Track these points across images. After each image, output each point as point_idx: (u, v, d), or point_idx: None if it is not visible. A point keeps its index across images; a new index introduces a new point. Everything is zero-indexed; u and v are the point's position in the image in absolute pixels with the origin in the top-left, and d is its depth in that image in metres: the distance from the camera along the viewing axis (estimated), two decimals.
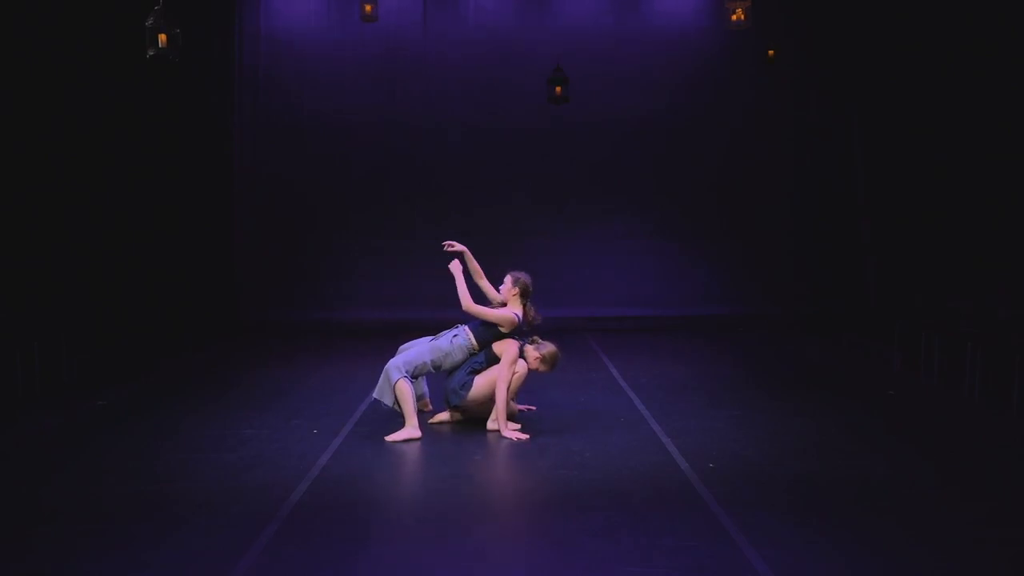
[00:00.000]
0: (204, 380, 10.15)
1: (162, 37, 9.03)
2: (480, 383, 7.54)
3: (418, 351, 7.60)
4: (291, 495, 5.83)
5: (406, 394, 7.37)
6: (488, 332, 7.61)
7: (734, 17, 11.64)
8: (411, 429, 7.34)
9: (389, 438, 7.28)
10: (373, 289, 14.78)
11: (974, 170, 11.63)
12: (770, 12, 13.47)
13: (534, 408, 8.23)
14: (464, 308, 7.57)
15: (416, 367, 7.53)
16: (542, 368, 7.67)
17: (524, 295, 7.72)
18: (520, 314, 7.65)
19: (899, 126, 13.31)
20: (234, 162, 14.72)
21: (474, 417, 7.71)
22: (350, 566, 4.78)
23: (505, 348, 7.53)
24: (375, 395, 7.55)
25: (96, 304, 11.16)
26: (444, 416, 7.86)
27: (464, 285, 7.64)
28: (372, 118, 14.78)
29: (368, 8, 12.76)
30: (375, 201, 14.86)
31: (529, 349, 7.64)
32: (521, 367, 7.56)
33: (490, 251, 15.59)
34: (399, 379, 7.39)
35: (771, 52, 13.70)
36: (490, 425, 7.53)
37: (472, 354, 7.62)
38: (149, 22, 9.06)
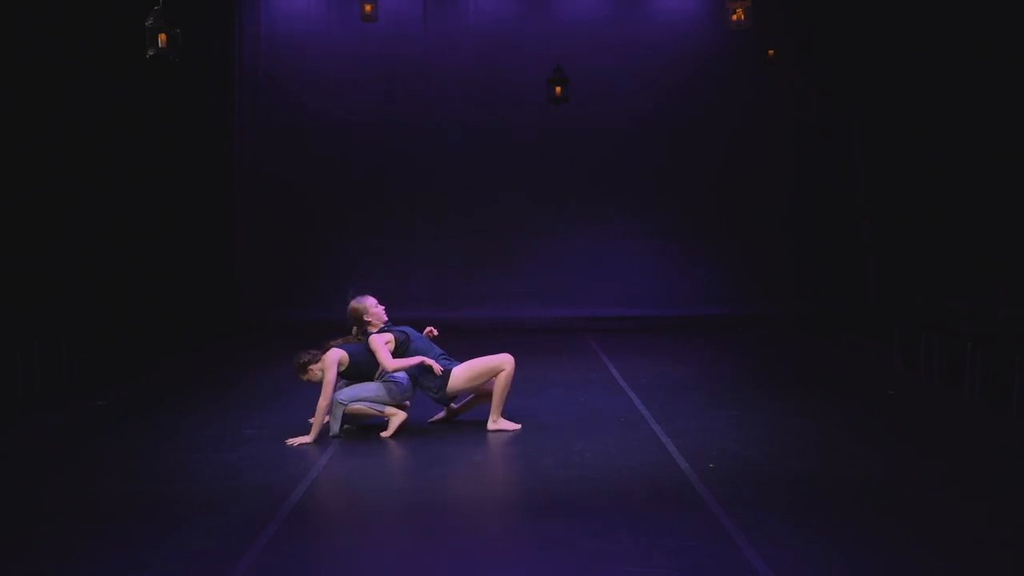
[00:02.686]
0: (204, 380, 10.15)
1: (162, 37, 9.03)
2: (457, 373, 7.44)
3: (364, 388, 7.36)
4: (291, 495, 5.84)
5: (363, 408, 7.31)
6: (368, 362, 7.43)
7: (734, 17, 11.62)
8: (396, 417, 7.36)
9: (384, 434, 7.34)
10: (373, 289, 14.71)
11: (974, 170, 11.62)
12: (770, 12, 13.45)
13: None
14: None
15: (365, 399, 7.33)
16: (360, 321, 7.59)
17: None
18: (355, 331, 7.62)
19: (899, 126, 13.30)
20: (234, 162, 14.72)
21: (471, 416, 7.71)
22: (350, 566, 4.78)
23: (374, 347, 7.36)
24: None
25: (96, 304, 11.16)
26: (443, 415, 7.87)
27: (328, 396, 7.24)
28: (372, 118, 14.77)
29: (368, 8, 12.73)
30: (375, 201, 14.86)
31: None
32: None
33: (490, 251, 15.56)
34: (346, 404, 7.29)
35: (771, 52, 13.70)
36: (491, 427, 7.53)
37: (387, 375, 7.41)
38: (149, 22, 9.05)
